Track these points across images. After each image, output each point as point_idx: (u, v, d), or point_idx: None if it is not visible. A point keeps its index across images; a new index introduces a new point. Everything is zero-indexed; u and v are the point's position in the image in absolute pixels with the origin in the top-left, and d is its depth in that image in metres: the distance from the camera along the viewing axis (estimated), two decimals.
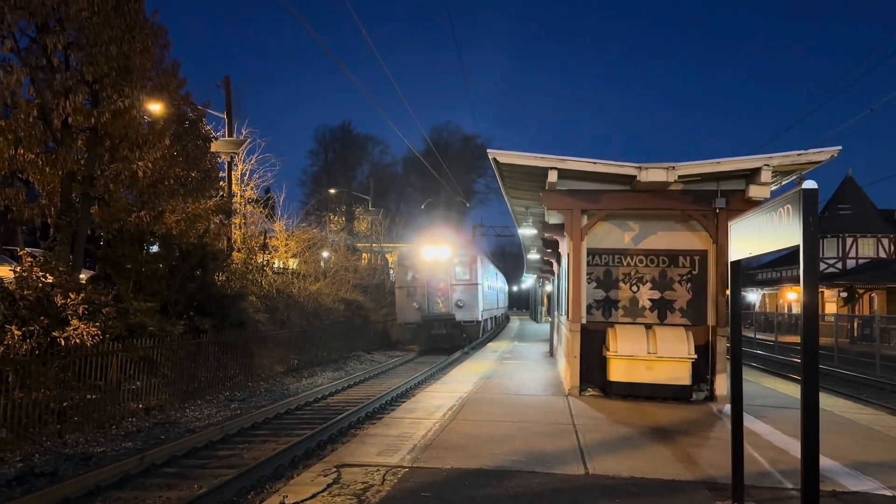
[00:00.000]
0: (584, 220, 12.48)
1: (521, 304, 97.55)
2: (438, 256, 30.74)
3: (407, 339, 31.92)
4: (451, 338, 30.16)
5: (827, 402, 12.50)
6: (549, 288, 39.30)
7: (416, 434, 8.97)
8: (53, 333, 12.28)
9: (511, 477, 6.89)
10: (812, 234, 4.25)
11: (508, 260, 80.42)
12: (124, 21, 15.52)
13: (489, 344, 29.50)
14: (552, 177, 11.68)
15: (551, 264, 25.91)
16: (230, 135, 26.33)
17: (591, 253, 12.84)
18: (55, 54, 15.00)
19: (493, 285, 40.25)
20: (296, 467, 9.51)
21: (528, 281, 62.07)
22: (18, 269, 13.23)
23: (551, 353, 21.97)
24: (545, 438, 8.75)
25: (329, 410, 15.07)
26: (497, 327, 46.06)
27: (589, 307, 12.77)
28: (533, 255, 27.73)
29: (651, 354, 11.70)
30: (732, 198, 11.85)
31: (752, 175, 11.49)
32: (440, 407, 11.20)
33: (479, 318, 31.27)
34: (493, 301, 40.23)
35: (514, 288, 79.11)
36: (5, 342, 11.42)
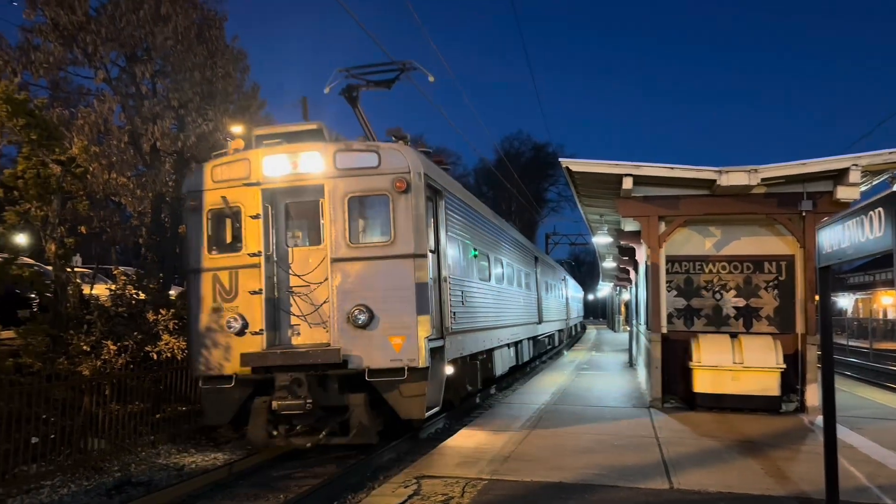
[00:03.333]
0: (662, 227, 12.21)
1: (597, 312, 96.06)
2: (302, 173, 9.98)
3: (213, 420, 10.39)
4: (330, 423, 9.67)
5: None
6: (626, 296, 38.58)
7: (494, 446, 8.96)
8: (146, 348, 12.86)
9: (593, 491, 6.78)
10: None
11: (584, 268, 79.51)
12: (206, 48, 16.24)
13: (566, 355, 28.93)
14: (627, 184, 11.50)
15: (628, 272, 25.49)
16: None
17: (671, 260, 12.53)
18: (143, 82, 15.84)
19: (528, 273, 21.22)
20: (377, 478, 9.63)
21: (604, 289, 61.07)
22: (113, 286, 13.95)
23: (631, 364, 21.53)
24: (627, 451, 8.58)
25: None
26: (571, 338, 41.38)
27: (670, 316, 12.46)
28: (608, 263, 27.28)
29: (737, 364, 11.30)
30: (819, 200, 11.37)
31: (839, 176, 10.99)
32: (517, 418, 11.14)
33: (424, 363, 9.47)
34: (530, 308, 21.12)
35: (590, 296, 77.95)
36: (102, 356, 12.05)
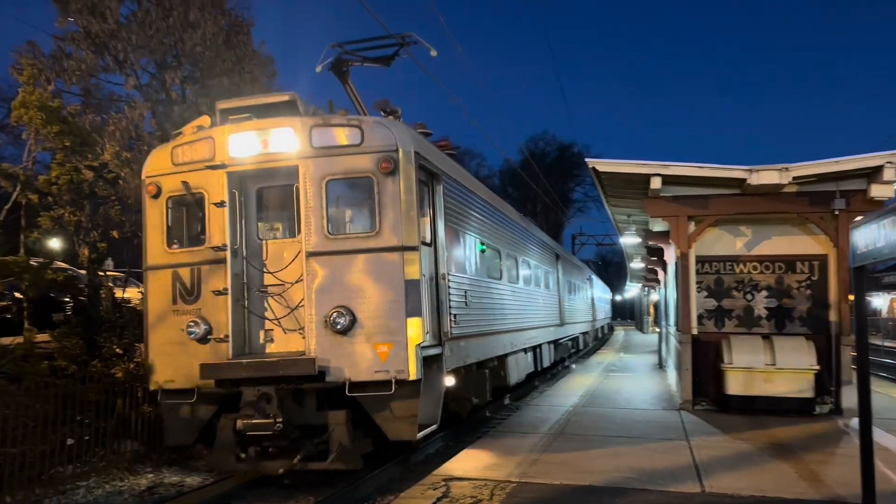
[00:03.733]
0: (692, 227, 12.05)
1: (625, 313, 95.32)
2: (273, 153, 8.67)
3: (174, 439, 9.19)
4: (306, 445, 8.39)
5: None
6: (654, 297, 38.23)
7: (522, 448, 8.92)
8: None
9: (622, 494, 6.72)
10: None
11: (611, 269, 78.93)
12: (234, 53, 16.37)
13: (593, 357, 28.67)
14: (655, 183, 11.38)
15: (656, 272, 25.22)
16: None
17: (701, 260, 12.37)
18: (173, 88, 16.02)
19: (548, 271, 19.85)
20: (405, 480, 9.65)
21: (631, 290, 60.57)
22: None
23: (660, 365, 21.32)
24: (658, 454, 8.48)
25: None
26: (598, 340, 40.22)
27: (700, 317, 12.30)
28: (636, 264, 27.04)
29: (769, 366, 11.12)
30: (853, 198, 11.17)
31: (873, 173, 10.77)
32: (545, 420, 11.09)
33: (415, 374, 8.17)
34: (551, 310, 19.89)
35: (618, 297, 77.37)
36: (135, 359, 12.24)
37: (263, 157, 8.63)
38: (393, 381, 8.04)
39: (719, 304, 12.32)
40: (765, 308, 12.14)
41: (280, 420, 7.99)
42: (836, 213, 11.30)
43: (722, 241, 12.38)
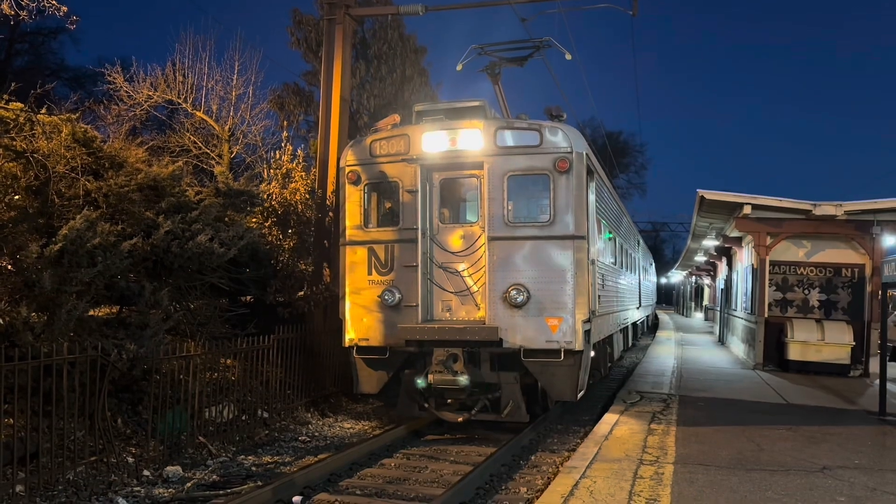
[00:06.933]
0: (769, 240, 16.85)
1: (660, 297, 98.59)
2: (460, 150, 9.96)
3: (364, 390, 10.49)
4: (480, 399, 9.92)
5: None
6: (706, 282, 42.75)
7: (664, 384, 13.96)
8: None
9: (737, 403, 11.76)
10: None
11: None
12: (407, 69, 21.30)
13: (658, 334, 33.18)
14: (747, 210, 16.18)
15: (714, 265, 29.92)
16: None
17: (772, 264, 17.18)
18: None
19: (634, 256, 20.40)
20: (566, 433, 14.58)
21: (673, 276, 64.76)
22: None
23: (720, 341, 26.12)
24: (752, 389, 13.51)
25: None
26: (655, 321, 42.39)
27: (769, 305, 17.16)
28: (700, 258, 31.61)
29: (819, 341, 15.98)
30: (886, 226, 15.88)
31: None
32: (664, 372, 16.09)
33: (580, 346, 9.62)
34: (636, 292, 21.11)
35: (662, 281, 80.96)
36: None
37: (449, 157, 9.96)
38: (562, 350, 9.38)
39: (784, 296, 17.17)
40: (817, 300, 16.96)
41: (466, 377, 9.43)
42: (874, 236, 16.02)
43: (789, 251, 17.18)
